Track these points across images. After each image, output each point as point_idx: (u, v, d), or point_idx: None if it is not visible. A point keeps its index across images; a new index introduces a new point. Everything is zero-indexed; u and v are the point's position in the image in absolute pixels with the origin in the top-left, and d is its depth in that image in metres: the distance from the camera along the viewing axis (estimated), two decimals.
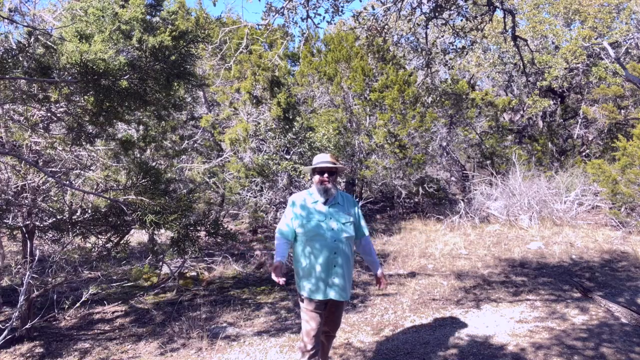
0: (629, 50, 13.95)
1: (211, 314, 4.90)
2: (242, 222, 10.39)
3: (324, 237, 2.88)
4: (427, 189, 10.94)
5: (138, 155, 5.36)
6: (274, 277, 2.74)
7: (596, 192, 10.14)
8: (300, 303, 2.97)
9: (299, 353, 2.96)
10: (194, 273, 6.57)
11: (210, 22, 8.90)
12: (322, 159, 3.02)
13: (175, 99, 4.59)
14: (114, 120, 3.55)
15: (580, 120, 14.28)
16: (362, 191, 11.70)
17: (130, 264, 6.74)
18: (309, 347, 2.86)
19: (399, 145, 10.35)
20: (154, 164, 6.23)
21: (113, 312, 5.10)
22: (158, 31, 3.40)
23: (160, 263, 6.20)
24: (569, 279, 5.87)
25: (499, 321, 4.37)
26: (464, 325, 4.32)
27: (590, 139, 14.62)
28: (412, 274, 6.32)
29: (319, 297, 2.85)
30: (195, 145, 9.79)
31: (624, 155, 8.93)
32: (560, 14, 13.57)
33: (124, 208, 3.05)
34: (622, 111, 12.74)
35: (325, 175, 2.97)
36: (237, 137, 8.29)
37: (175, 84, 3.81)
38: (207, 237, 4.25)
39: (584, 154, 14.18)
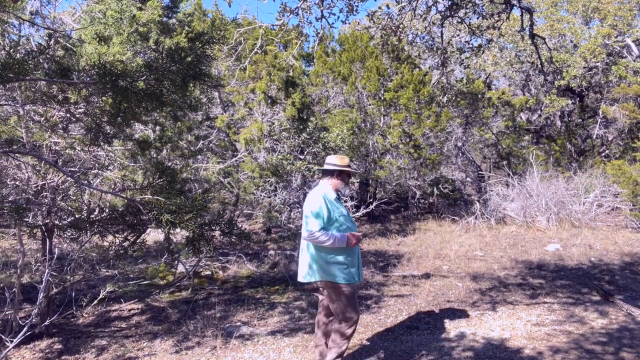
0: None
1: (225, 313, 4.94)
2: (256, 222, 10.45)
3: (351, 229, 3.29)
4: (442, 189, 10.84)
5: (154, 156, 5.43)
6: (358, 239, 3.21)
7: (616, 193, 9.91)
8: (340, 290, 3.21)
9: (347, 328, 3.25)
10: (208, 272, 6.63)
11: (226, 23, 8.96)
12: (345, 163, 3.39)
13: (190, 100, 4.63)
14: (131, 121, 3.60)
15: (599, 120, 13.99)
16: (376, 191, 11.65)
17: (147, 263, 6.83)
18: (355, 317, 3.25)
19: (414, 145, 10.28)
20: (170, 164, 6.31)
21: (129, 310, 5.18)
22: (174, 33, 3.44)
23: (176, 262, 6.27)
24: (588, 281, 5.75)
25: (515, 324, 4.30)
26: (480, 327, 4.26)
27: (610, 139, 14.30)
28: (427, 275, 6.27)
29: (348, 282, 3.21)
30: (211, 145, 9.88)
31: None
32: (579, 12, 13.31)
33: (141, 207, 3.09)
34: None
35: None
36: (251, 137, 8.33)
37: (191, 84, 3.84)
38: (221, 237, 4.28)
39: (603, 154, 13.88)
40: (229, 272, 6.72)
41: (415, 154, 10.24)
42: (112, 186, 4.18)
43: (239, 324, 4.57)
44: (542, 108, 13.70)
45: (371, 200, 9.62)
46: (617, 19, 12.41)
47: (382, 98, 10.68)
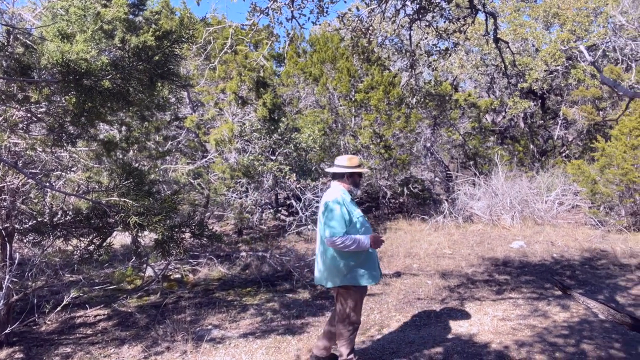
0: (607, 53, 14.30)
1: (196, 317, 4.86)
2: (228, 223, 10.33)
3: (369, 229, 3.29)
4: (412, 189, 11.03)
5: (120, 157, 5.28)
6: (379, 242, 3.17)
7: (576, 191, 10.37)
8: (357, 292, 3.21)
9: (348, 330, 3.25)
10: (178, 275, 6.51)
11: (195, 22, 8.82)
12: (355, 164, 3.34)
13: (158, 100, 4.54)
14: (96, 121, 3.50)
15: (560, 122, 14.59)
16: None
17: (113, 267, 6.63)
18: (359, 321, 3.27)
19: (385, 146, 10.42)
20: (137, 165, 6.16)
21: (95, 316, 5.02)
22: (141, 31, 3.36)
23: (144, 265, 6.13)
24: (550, 277, 5.99)
25: (482, 319, 4.43)
26: (449, 323, 4.37)
27: (570, 139, 14.94)
28: (398, 274, 6.37)
29: (373, 282, 3.23)
30: (180, 146, 9.70)
31: (602, 155, 9.16)
32: (540, 17, 13.84)
33: (107, 210, 3.01)
34: (601, 112, 13.07)
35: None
36: (222, 138, 8.24)
37: (159, 84, 3.77)
38: (192, 239, 4.22)
39: (564, 154, 14.48)
40: (200, 275, 6.62)
41: (386, 154, 10.39)
42: (76, 188, 4.04)
43: (210, 327, 4.51)
44: (506, 110, 14.16)
45: None
46: (575, 25, 12.98)
47: (353, 99, 10.78)
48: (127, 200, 2.98)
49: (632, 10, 12.83)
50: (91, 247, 4.02)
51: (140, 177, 3.46)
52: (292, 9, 4.44)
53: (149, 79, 3.28)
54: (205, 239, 4.27)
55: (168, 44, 3.25)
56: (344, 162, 3.32)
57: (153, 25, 3.63)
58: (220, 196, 8.49)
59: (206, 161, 8.85)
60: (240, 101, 8.76)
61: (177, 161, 9.23)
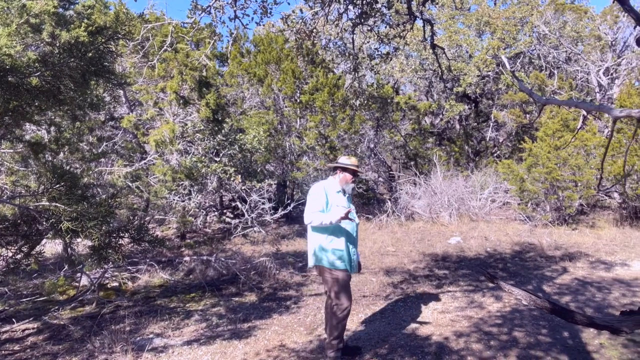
0: (532, 60, 15.44)
1: (136, 326, 4.65)
2: (169, 227, 9.96)
3: (353, 223, 3.50)
4: (356, 189, 11.26)
5: (50, 159, 4.94)
6: (343, 215, 3.29)
7: (506, 189, 11.09)
8: (331, 276, 3.46)
9: (340, 313, 3.45)
10: (116, 283, 6.19)
11: (132, 17, 8.42)
12: (352, 162, 3.59)
13: (92, 98, 4.29)
14: (22, 121, 3.24)
15: (491, 124, 15.53)
16: (294, 193, 11.74)
17: (43, 277, 6.18)
18: (348, 305, 3.46)
19: (330, 147, 10.55)
20: (68, 167, 5.77)
21: (23, 330, 4.65)
22: (72, 26, 3.16)
23: (79, 274, 5.76)
24: (484, 270, 6.36)
25: (424, 313, 4.62)
26: (393, 319, 4.51)
27: (500, 141, 15.95)
28: None
29: (344, 267, 3.45)
30: (116, 147, 9.22)
31: (529, 155, 9.87)
32: (473, 25, 14.67)
33: (36, 215, 2.80)
34: (528, 115, 14.08)
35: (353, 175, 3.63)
36: (162, 139, 7.94)
37: (93, 82, 3.57)
38: (131, 245, 4.02)
39: (495, 154, 15.44)
40: (139, 282, 6.34)
41: (331, 155, 10.52)
42: (0, 193, 3.72)
43: (151, 336, 4.33)
44: (444, 112, 14.86)
45: (289, 201, 9.68)
46: (504, 33, 13.90)
47: (298, 100, 10.82)
48: (59, 205, 2.79)
49: (553, 20, 13.96)
50: (19, 256, 3.72)
51: (73, 181, 3.25)
52: (235, 8, 4.38)
53: (81, 77, 3.10)
54: (146, 244, 4.10)
55: (102, 39, 3.09)
56: (341, 160, 3.64)
57: (85, 20, 3.43)
58: (161, 199, 8.17)
59: (145, 163, 8.49)
60: (181, 101, 8.48)
61: (113, 163, 8.76)
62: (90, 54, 3.05)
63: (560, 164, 9.16)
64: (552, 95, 13.34)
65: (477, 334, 3.99)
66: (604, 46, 13.67)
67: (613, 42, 13.74)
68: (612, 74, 13.74)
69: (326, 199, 3.45)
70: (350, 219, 3.38)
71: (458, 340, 3.88)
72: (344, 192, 3.61)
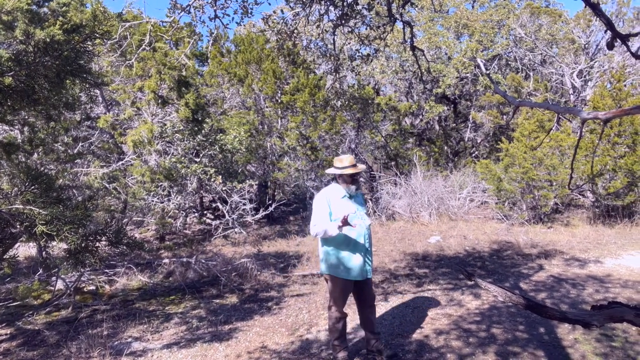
0: (509, 63, 15.77)
1: (114, 330, 4.56)
2: (148, 229, 9.80)
3: (352, 227, 3.30)
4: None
5: (23, 160, 4.80)
6: (340, 224, 3.18)
7: (484, 189, 11.30)
8: (330, 282, 3.43)
9: (330, 318, 3.48)
10: (92, 287, 6.06)
11: (110, 17, 8.24)
12: (346, 164, 3.41)
13: (67, 98, 4.18)
14: None
15: (470, 125, 15.81)
16: (275, 193, 11.70)
17: (17, 281, 6.01)
18: (340, 316, 3.44)
19: (311, 148, 10.56)
20: (42, 169, 5.62)
21: None
22: (47, 23, 3.08)
23: (55, 278, 5.62)
24: (463, 268, 6.47)
25: (404, 312, 4.67)
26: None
27: (478, 141, 16.23)
28: None
29: (358, 278, 3.37)
30: (92, 148, 9.03)
31: (506, 156, 10.08)
32: (452, 27, 14.90)
33: (9, 219, 2.72)
34: (505, 117, 14.38)
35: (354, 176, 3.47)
36: (140, 139, 7.80)
37: (69, 81, 3.49)
38: (109, 247, 3.95)
39: (473, 155, 15.71)
40: (117, 286, 6.22)
41: (312, 155, 10.53)
42: None
43: (129, 340, 4.26)
44: (423, 113, 15.05)
45: (270, 202, 9.65)
46: (482, 35, 14.16)
47: (279, 101, 10.79)
48: (34, 208, 2.72)
49: (529, 24, 14.29)
50: None
51: (48, 183, 3.17)
52: (215, 7, 4.34)
53: (56, 76, 3.02)
54: (123, 247, 4.02)
55: (79, 38, 3.02)
56: (335, 164, 3.48)
57: (61, 18, 3.35)
58: (140, 201, 8.04)
59: (123, 164, 8.33)
60: (160, 101, 8.36)
61: (89, 164, 8.57)
62: (66, 53, 2.98)
63: (535, 164, 9.38)
64: (528, 97, 13.67)
65: (457, 332, 4.05)
66: (577, 49, 14.06)
67: (586, 45, 14.15)
68: (585, 76, 14.15)
69: (329, 208, 3.33)
70: (351, 225, 3.19)
71: (438, 338, 3.94)
72: (350, 195, 3.44)
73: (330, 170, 3.51)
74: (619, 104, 9.13)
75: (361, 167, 3.49)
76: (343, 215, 3.20)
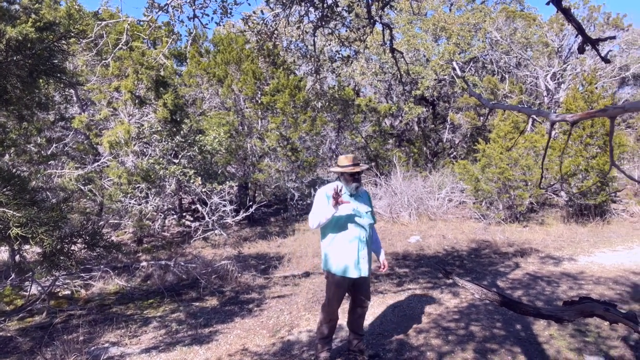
0: (485, 65, 16.09)
1: (90, 335, 4.46)
2: (125, 231, 9.62)
3: (355, 223, 3.38)
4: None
5: None
6: (333, 202, 3.16)
7: (462, 189, 11.50)
8: (326, 279, 3.48)
9: (322, 315, 3.51)
10: (68, 292, 5.90)
11: (85, 14, 8.07)
12: (348, 162, 3.45)
13: (40, 97, 4.07)
14: None
15: (448, 126, 16.06)
16: (256, 194, 11.65)
17: None
18: (330, 317, 3.45)
19: (291, 149, 10.55)
20: (14, 170, 5.46)
21: None
22: (18, 21, 3.00)
23: (28, 283, 5.46)
24: (441, 266, 6.57)
25: (385, 311, 4.71)
26: None
27: (456, 142, 16.50)
28: (307, 274, 6.48)
29: (351, 275, 3.36)
30: (66, 149, 8.81)
31: (483, 156, 10.28)
32: (430, 30, 15.12)
33: None
34: (481, 118, 14.66)
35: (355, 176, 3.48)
36: (117, 140, 7.65)
37: (42, 80, 3.40)
38: (85, 250, 3.86)
39: (452, 155, 15.96)
40: (93, 290, 6.08)
41: (293, 156, 10.52)
42: None
43: (107, 345, 4.17)
44: (403, 115, 15.22)
45: (251, 203, 9.59)
46: (459, 38, 14.41)
47: (259, 101, 10.74)
48: (7, 211, 2.64)
49: (505, 27, 14.62)
50: None
51: (21, 184, 3.08)
52: (194, 7, 4.30)
53: (29, 75, 2.94)
54: (100, 250, 3.94)
55: (53, 37, 2.95)
56: (338, 162, 3.53)
57: (33, 15, 3.26)
58: (116, 203, 7.88)
59: (99, 165, 8.16)
60: (137, 101, 8.22)
61: (63, 166, 8.36)
62: (39, 52, 2.90)
63: (511, 164, 9.60)
64: (504, 99, 13.98)
65: (436, 330, 4.11)
66: (551, 52, 14.46)
67: (559, 49, 14.56)
68: (558, 79, 14.56)
69: (327, 202, 3.34)
70: (345, 202, 3.23)
71: (418, 336, 3.99)
72: (351, 193, 3.47)
73: (333, 169, 3.62)
74: (590, 105, 9.43)
75: (363, 166, 3.57)
76: (339, 204, 3.22)
